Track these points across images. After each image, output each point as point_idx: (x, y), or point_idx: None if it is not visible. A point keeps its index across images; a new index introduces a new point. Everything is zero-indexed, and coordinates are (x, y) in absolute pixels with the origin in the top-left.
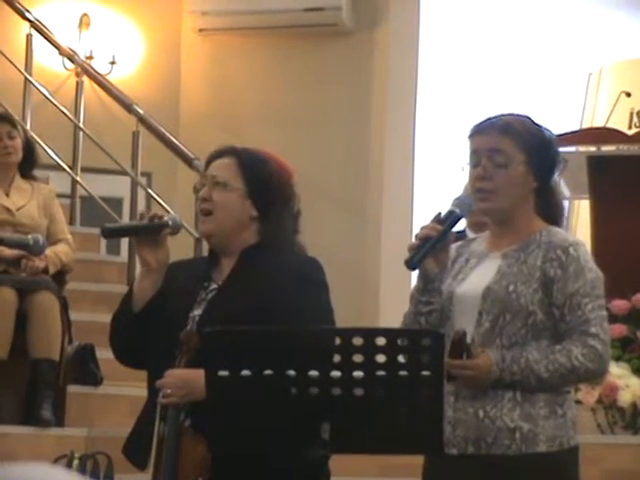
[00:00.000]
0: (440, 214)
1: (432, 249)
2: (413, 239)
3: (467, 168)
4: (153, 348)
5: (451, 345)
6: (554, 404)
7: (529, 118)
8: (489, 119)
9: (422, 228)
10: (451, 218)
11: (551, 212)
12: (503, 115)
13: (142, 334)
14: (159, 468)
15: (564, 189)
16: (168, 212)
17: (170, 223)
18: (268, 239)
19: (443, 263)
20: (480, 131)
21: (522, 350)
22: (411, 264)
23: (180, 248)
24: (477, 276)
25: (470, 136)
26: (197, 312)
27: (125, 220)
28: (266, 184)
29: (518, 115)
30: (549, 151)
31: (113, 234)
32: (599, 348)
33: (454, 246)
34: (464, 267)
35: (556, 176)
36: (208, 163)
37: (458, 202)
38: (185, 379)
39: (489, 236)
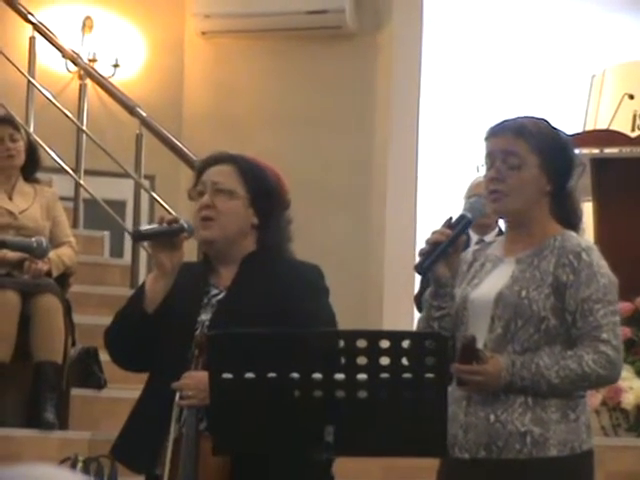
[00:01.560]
0: (451, 218)
1: (442, 254)
2: (423, 244)
3: (482, 169)
4: (159, 351)
5: (460, 350)
6: (566, 408)
7: (546, 121)
8: (504, 121)
9: (432, 233)
10: (462, 222)
11: (567, 216)
12: (519, 117)
13: (150, 336)
14: (175, 469)
15: None
16: (173, 215)
17: (186, 227)
18: (268, 247)
19: (455, 267)
20: (495, 133)
21: (533, 356)
22: (420, 269)
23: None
24: (491, 281)
25: (485, 139)
26: (205, 316)
27: (128, 223)
28: (268, 193)
29: (534, 118)
30: (564, 154)
31: (143, 238)
32: (610, 354)
33: (471, 250)
34: (479, 272)
35: (573, 180)
36: (203, 169)
37: (469, 206)
38: (205, 381)
39: (505, 241)
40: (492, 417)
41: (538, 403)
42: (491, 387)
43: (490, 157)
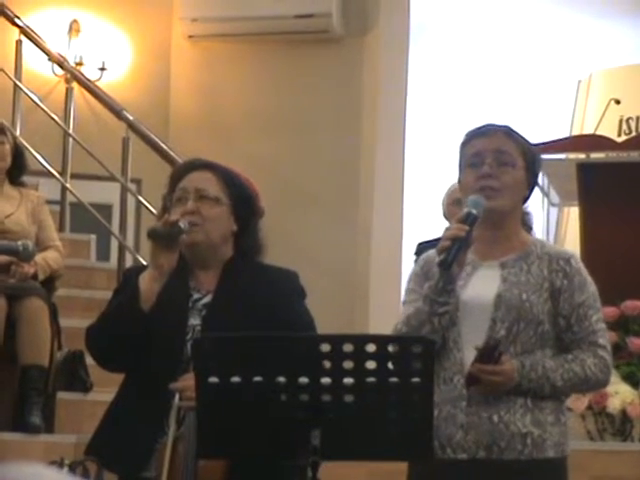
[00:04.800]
0: (460, 217)
1: (462, 248)
2: (442, 241)
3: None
4: (144, 352)
5: (483, 351)
6: (558, 412)
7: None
8: (488, 125)
9: (447, 229)
10: (469, 219)
11: (526, 227)
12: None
13: (141, 335)
14: (174, 471)
15: (553, 196)
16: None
17: (184, 228)
18: (245, 253)
19: (462, 265)
20: (484, 133)
21: (537, 358)
22: (445, 264)
23: None
24: (479, 284)
25: (469, 140)
26: (194, 321)
27: (114, 227)
28: (247, 200)
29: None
30: (538, 165)
31: (157, 237)
32: (608, 359)
33: None
34: (459, 274)
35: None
36: (180, 176)
37: (474, 203)
38: None
39: (478, 243)
40: (495, 418)
41: (536, 405)
42: (505, 388)
43: (479, 156)
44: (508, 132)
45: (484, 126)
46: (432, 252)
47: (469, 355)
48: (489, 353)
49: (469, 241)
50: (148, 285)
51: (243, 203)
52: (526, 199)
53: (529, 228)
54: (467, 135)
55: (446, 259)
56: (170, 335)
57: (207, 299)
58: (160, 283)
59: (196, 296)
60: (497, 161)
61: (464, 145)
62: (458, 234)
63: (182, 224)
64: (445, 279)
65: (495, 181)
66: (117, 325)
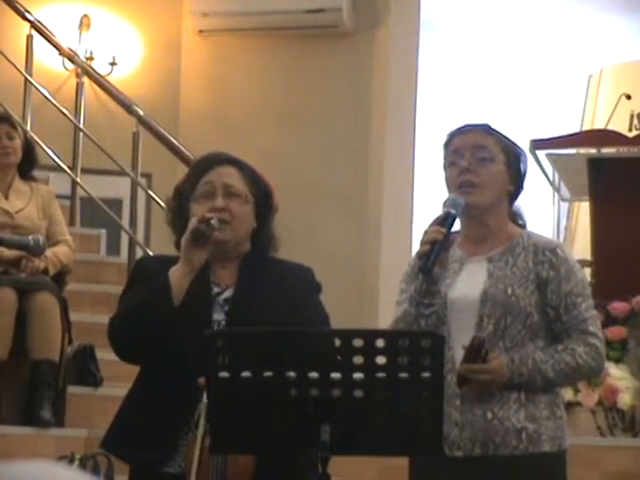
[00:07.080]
0: (438, 218)
1: (441, 251)
2: (419, 245)
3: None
4: (167, 346)
5: (469, 350)
6: (553, 405)
7: None
8: (467, 124)
9: (425, 233)
10: (449, 219)
11: (517, 225)
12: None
13: (171, 329)
14: (202, 465)
15: (564, 191)
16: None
17: (215, 225)
18: (262, 248)
19: (445, 264)
20: (462, 131)
21: (527, 351)
22: (425, 269)
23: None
24: (467, 280)
25: (449, 140)
26: (218, 316)
27: (125, 222)
28: (266, 197)
29: None
30: (522, 161)
31: (198, 235)
32: (599, 346)
33: None
34: (447, 271)
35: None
36: (204, 170)
37: (451, 203)
38: None
39: (463, 240)
40: (489, 414)
41: (530, 400)
42: (495, 385)
43: (458, 152)
44: (487, 129)
45: (463, 125)
46: None
47: (459, 353)
48: (475, 352)
49: (448, 241)
50: (179, 280)
51: (263, 200)
52: (513, 196)
53: (522, 226)
54: (448, 135)
55: (426, 264)
56: (197, 330)
57: (227, 293)
58: (190, 279)
59: (216, 290)
60: (475, 156)
61: (446, 145)
62: (436, 237)
63: (213, 221)
64: (428, 281)
65: (473, 176)
66: (147, 319)
